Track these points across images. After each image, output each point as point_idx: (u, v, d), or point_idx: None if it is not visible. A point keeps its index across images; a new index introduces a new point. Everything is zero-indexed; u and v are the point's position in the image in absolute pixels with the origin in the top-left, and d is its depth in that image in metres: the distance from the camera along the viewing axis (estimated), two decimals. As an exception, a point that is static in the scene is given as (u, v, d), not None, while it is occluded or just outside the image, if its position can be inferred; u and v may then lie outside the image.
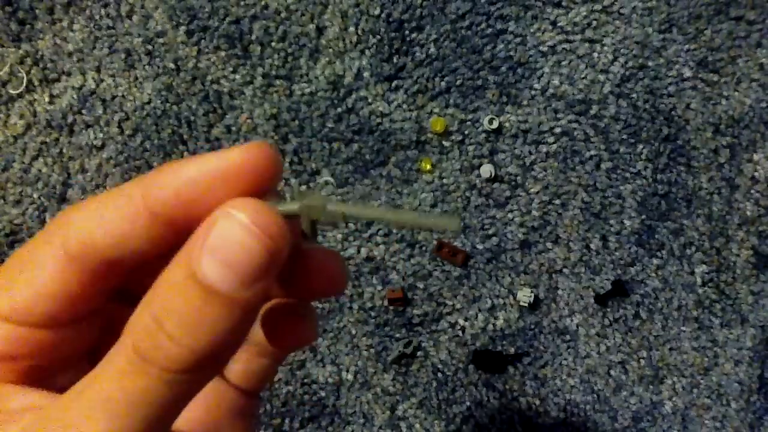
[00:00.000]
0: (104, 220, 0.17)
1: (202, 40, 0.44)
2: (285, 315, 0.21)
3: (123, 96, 0.44)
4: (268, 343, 0.21)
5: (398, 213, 0.18)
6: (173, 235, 0.17)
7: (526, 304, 0.45)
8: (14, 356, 0.19)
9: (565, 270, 0.46)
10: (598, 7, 0.45)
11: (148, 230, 0.17)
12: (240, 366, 0.22)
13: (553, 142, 0.46)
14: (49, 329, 0.19)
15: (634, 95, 0.46)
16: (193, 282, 0.16)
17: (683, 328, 0.47)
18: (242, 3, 0.44)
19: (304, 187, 0.45)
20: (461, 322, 0.45)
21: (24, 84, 0.43)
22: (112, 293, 0.19)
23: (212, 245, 0.15)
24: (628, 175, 0.46)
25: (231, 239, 0.15)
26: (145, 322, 0.16)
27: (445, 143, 0.45)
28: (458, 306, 0.45)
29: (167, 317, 0.16)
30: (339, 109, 0.45)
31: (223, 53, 0.44)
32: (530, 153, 0.46)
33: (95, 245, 0.17)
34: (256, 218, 0.15)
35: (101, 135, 0.44)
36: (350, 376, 0.45)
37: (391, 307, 0.45)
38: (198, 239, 0.16)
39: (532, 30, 0.45)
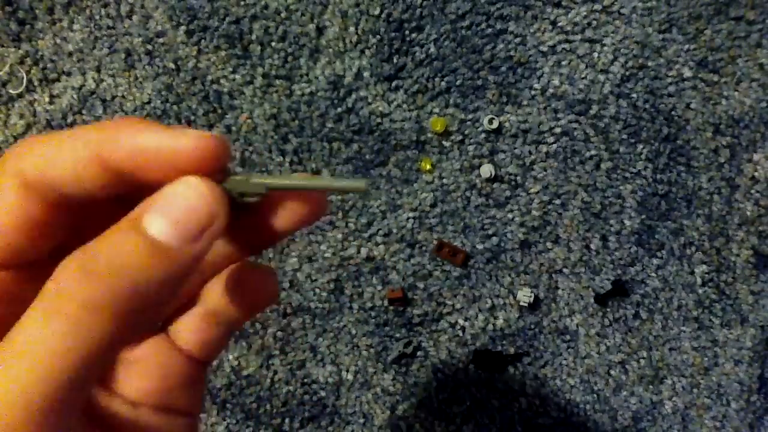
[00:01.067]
0: (61, 156, 0.18)
1: (202, 40, 0.44)
2: (248, 274, 0.22)
3: (123, 96, 0.44)
4: (225, 309, 0.22)
5: (313, 179, 0.20)
6: (120, 186, 0.18)
7: (526, 304, 0.45)
8: None
9: (565, 270, 0.46)
10: (598, 7, 0.45)
11: (99, 176, 0.18)
12: (193, 335, 0.22)
13: (553, 142, 0.46)
14: (10, 269, 0.19)
15: (634, 95, 0.46)
16: (136, 232, 0.17)
17: (683, 328, 0.47)
18: (242, 3, 0.44)
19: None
20: (461, 322, 0.45)
21: (24, 84, 0.43)
22: (66, 235, 0.19)
23: (161, 204, 0.17)
24: (628, 175, 0.46)
25: (179, 199, 0.17)
26: (81, 283, 0.16)
27: (445, 143, 0.45)
28: (458, 306, 0.45)
29: (97, 258, 0.16)
30: (339, 109, 0.45)
31: (223, 53, 0.44)
32: (530, 153, 0.46)
33: (52, 178, 0.18)
34: (202, 185, 0.18)
35: (101, 135, 0.44)
36: (350, 376, 0.45)
37: (391, 307, 0.45)
38: (148, 201, 0.17)
39: (532, 30, 0.45)
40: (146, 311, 0.17)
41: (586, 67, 0.46)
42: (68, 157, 0.18)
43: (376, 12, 0.44)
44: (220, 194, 0.18)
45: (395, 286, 0.45)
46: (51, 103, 0.44)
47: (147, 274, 0.17)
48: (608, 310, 0.46)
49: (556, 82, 0.46)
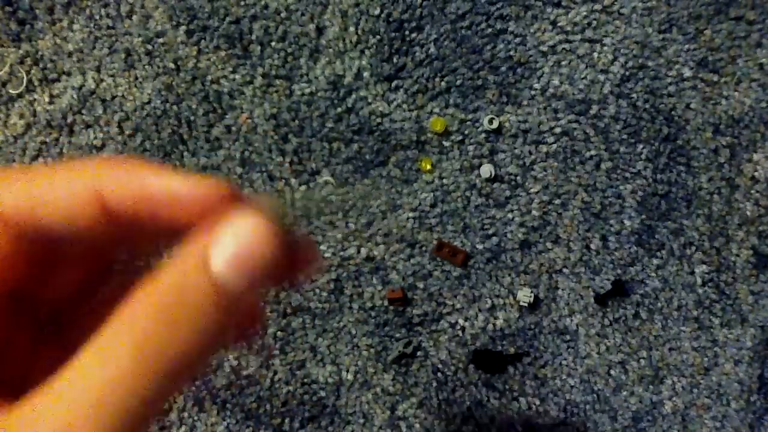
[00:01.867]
0: (53, 195, 0.17)
1: (202, 40, 0.44)
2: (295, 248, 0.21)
3: (123, 96, 0.44)
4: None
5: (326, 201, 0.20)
6: (114, 226, 0.18)
7: (526, 304, 0.45)
8: None
9: (565, 270, 0.46)
10: (598, 7, 0.45)
11: (95, 217, 0.18)
12: None
13: (553, 142, 0.46)
14: None
15: (634, 95, 0.46)
16: (205, 282, 0.16)
17: (683, 328, 0.47)
18: (242, 3, 0.44)
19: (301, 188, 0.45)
20: (461, 322, 0.45)
21: (24, 84, 0.44)
22: (25, 268, 0.18)
23: (228, 249, 0.17)
24: (628, 175, 0.46)
25: (250, 245, 0.17)
26: (146, 326, 0.16)
27: (445, 143, 0.45)
28: (458, 306, 0.45)
29: (177, 323, 0.16)
30: (339, 109, 0.45)
31: (223, 53, 0.44)
32: (530, 153, 0.46)
33: (40, 217, 0.17)
34: (268, 229, 0.17)
35: (101, 135, 0.44)
36: (350, 376, 0.45)
37: (391, 307, 0.45)
38: (201, 243, 0.17)
39: (532, 30, 0.45)
40: (202, 358, 0.17)
41: (586, 67, 0.46)
42: (62, 196, 0.17)
43: (376, 12, 0.44)
44: (277, 237, 0.17)
45: (395, 287, 0.45)
46: (51, 103, 0.44)
47: (215, 324, 0.17)
48: (608, 310, 0.46)
49: (556, 82, 0.46)
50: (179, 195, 0.18)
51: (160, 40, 0.44)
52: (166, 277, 0.17)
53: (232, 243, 0.17)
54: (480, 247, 0.45)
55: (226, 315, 0.17)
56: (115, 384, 0.16)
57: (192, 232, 0.17)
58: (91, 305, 0.19)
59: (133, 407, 0.16)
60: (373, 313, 0.45)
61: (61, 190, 0.18)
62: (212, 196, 0.18)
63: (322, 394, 0.45)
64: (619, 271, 0.46)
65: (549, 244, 0.46)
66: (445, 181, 0.45)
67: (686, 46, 0.46)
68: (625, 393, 0.47)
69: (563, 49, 0.46)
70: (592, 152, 0.46)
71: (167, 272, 0.17)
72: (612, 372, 0.46)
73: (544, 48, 0.45)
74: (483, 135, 0.45)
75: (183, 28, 0.44)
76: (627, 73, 0.46)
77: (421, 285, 0.45)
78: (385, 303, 0.45)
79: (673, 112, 0.46)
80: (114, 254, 0.21)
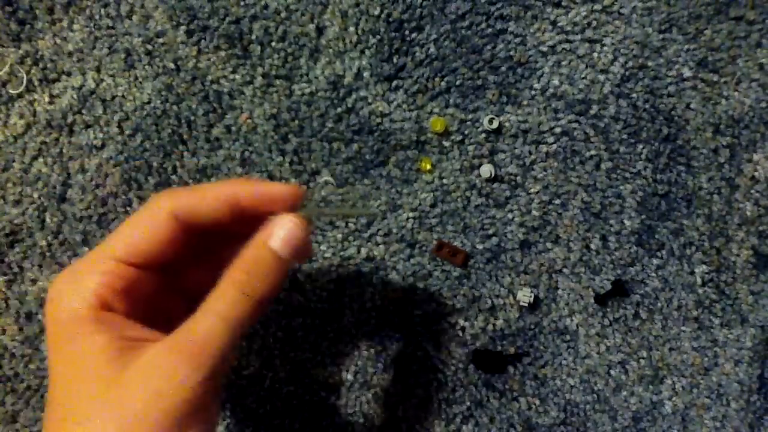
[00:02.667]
0: (205, 203, 0.31)
1: (202, 40, 0.44)
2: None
3: (123, 96, 0.44)
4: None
5: (343, 209, 0.39)
6: (237, 218, 0.32)
7: (526, 304, 0.45)
8: (128, 291, 0.30)
9: (565, 270, 0.46)
10: (598, 7, 0.45)
11: (228, 214, 0.32)
12: None
13: (553, 142, 0.46)
14: (145, 270, 0.31)
15: (634, 95, 0.46)
16: (270, 253, 0.30)
17: (683, 328, 0.47)
18: (242, 3, 0.44)
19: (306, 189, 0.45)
20: (461, 322, 0.45)
21: (24, 84, 0.44)
22: (183, 251, 0.32)
23: (282, 235, 0.31)
24: (628, 175, 0.46)
25: (292, 233, 0.31)
26: (241, 276, 0.30)
27: (445, 143, 0.45)
28: (458, 306, 0.45)
29: (256, 272, 0.30)
30: (339, 109, 0.45)
31: (223, 53, 0.44)
32: (530, 153, 0.46)
33: (197, 216, 0.31)
34: (301, 222, 0.31)
35: (101, 135, 0.44)
36: (350, 376, 0.45)
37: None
38: (265, 232, 0.31)
39: (532, 30, 0.45)
40: (272, 293, 0.31)
41: (586, 67, 0.46)
42: (211, 204, 0.31)
43: (376, 12, 0.44)
44: (307, 224, 0.31)
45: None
46: (51, 103, 0.44)
47: (283, 277, 0.31)
48: (608, 310, 0.46)
49: (556, 82, 0.46)
50: (279, 193, 0.32)
51: (160, 40, 0.44)
52: (249, 250, 0.30)
53: (283, 230, 0.31)
54: (480, 247, 0.45)
55: (282, 269, 0.31)
56: (232, 306, 0.29)
57: (263, 224, 0.31)
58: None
59: (242, 320, 0.29)
60: (373, 313, 0.45)
61: (210, 194, 0.31)
62: (297, 195, 0.32)
63: (322, 394, 0.45)
64: (619, 271, 0.46)
65: (549, 244, 0.46)
66: (445, 181, 0.45)
67: (686, 46, 0.46)
68: (625, 393, 0.47)
69: (563, 49, 0.46)
70: (592, 152, 0.46)
71: (249, 246, 0.30)
72: (612, 372, 0.46)
73: (544, 48, 0.45)
74: (483, 135, 0.45)
75: (183, 28, 0.44)
76: (627, 73, 0.46)
77: (421, 285, 0.45)
78: (385, 303, 0.45)
79: (673, 112, 0.46)
80: (231, 252, 0.32)
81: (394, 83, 0.45)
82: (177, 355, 0.27)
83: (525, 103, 0.45)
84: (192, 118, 0.44)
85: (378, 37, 0.45)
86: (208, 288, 0.30)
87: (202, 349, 0.27)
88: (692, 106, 0.46)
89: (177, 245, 0.31)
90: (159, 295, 0.33)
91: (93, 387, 0.27)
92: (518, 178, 0.46)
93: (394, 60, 0.45)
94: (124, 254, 0.30)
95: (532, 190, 0.46)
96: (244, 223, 0.32)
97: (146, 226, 0.30)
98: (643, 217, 0.46)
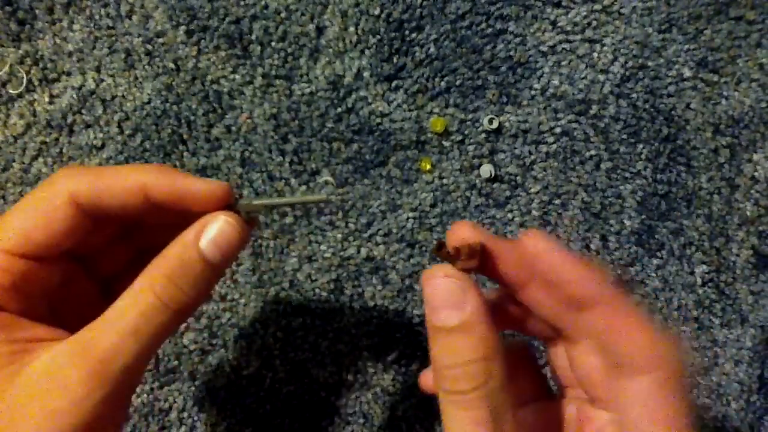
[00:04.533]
0: (112, 187, 0.26)
1: (202, 40, 0.44)
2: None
3: (123, 96, 0.44)
4: None
5: (286, 198, 0.30)
6: (149, 210, 0.27)
7: (526, 304, 0.45)
8: (18, 286, 0.26)
9: (565, 270, 0.46)
10: (598, 7, 0.45)
11: (139, 204, 0.27)
12: None
13: (553, 142, 0.46)
14: (42, 261, 0.26)
15: (634, 95, 0.46)
16: (197, 255, 0.26)
17: (683, 328, 0.47)
18: (242, 3, 0.44)
19: (302, 188, 0.45)
20: (461, 322, 0.45)
21: (24, 84, 0.44)
22: (80, 240, 0.27)
23: (211, 233, 0.26)
24: (628, 175, 0.46)
25: (224, 234, 0.27)
26: (161, 280, 0.25)
27: (445, 143, 0.45)
28: (458, 306, 0.45)
29: (179, 277, 0.25)
30: (339, 109, 0.45)
31: (223, 53, 0.44)
32: (530, 153, 0.46)
33: (102, 202, 0.26)
34: (235, 221, 0.27)
35: (101, 135, 0.44)
36: (350, 376, 0.45)
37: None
38: (194, 231, 0.26)
39: (532, 30, 0.45)
40: (196, 302, 0.26)
41: (586, 67, 0.46)
42: (119, 188, 0.26)
43: (376, 12, 0.44)
44: (243, 224, 0.27)
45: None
46: (51, 103, 0.44)
47: (210, 284, 0.27)
48: (608, 310, 0.46)
49: (556, 82, 0.46)
50: (198, 191, 0.27)
51: (160, 40, 0.44)
52: (174, 249, 0.26)
53: (214, 230, 0.26)
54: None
55: (210, 276, 0.26)
56: (145, 316, 0.24)
57: (190, 221, 0.27)
58: (135, 272, 0.26)
59: (156, 332, 0.25)
60: (373, 313, 0.45)
61: (118, 183, 0.26)
62: (218, 194, 0.27)
63: (322, 394, 0.45)
64: (619, 271, 0.46)
65: (549, 244, 0.46)
66: (445, 181, 0.45)
67: (686, 46, 0.46)
68: (625, 393, 0.47)
69: (563, 49, 0.46)
70: (592, 152, 0.46)
71: (174, 245, 0.26)
72: (612, 372, 0.46)
73: (544, 48, 0.45)
74: (483, 135, 0.45)
75: (183, 28, 0.44)
76: (627, 73, 0.46)
77: (421, 285, 0.45)
78: (385, 303, 0.45)
79: (673, 112, 0.46)
80: (152, 235, 0.29)
81: (394, 83, 0.45)
82: (77, 367, 0.23)
83: (525, 103, 0.45)
84: (192, 118, 0.44)
85: (378, 37, 0.44)
86: (126, 275, 0.26)
87: (107, 365, 0.23)
88: (692, 106, 0.46)
89: (80, 233, 0.27)
90: (67, 285, 0.29)
91: None
92: (518, 178, 0.46)
93: (394, 60, 0.45)
94: (12, 244, 0.25)
95: (532, 190, 0.46)
96: (164, 215, 0.28)
97: (40, 212, 0.26)
98: (643, 217, 0.46)
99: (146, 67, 0.44)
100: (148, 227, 0.30)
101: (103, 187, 0.26)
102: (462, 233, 0.26)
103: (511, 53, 0.45)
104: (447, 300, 0.24)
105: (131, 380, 0.25)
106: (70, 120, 0.44)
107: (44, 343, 0.24)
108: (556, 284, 0.25)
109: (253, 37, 0.44)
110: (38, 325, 0.26)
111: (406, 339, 0.45)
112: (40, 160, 0.44)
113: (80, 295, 0.30)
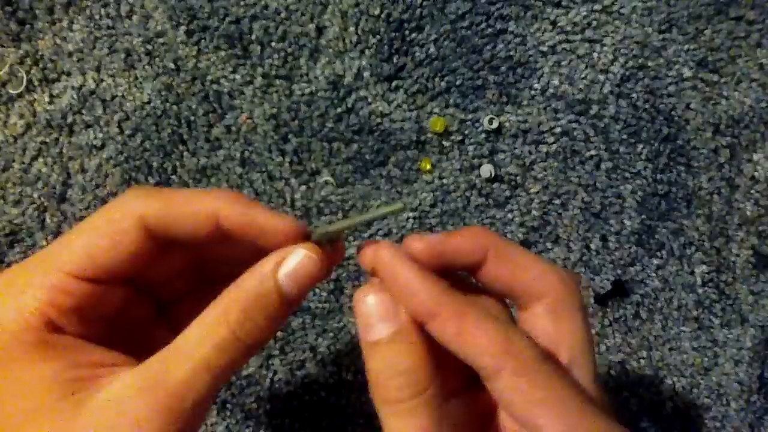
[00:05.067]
0: (183, 212, 0.25)
1: (202, 40, 0.44)
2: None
3: (123, 96, 0.44)
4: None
5: (362, 215, 0.29)
6: (221, 238, 0.26)
7: (526, 304, 0.45)
8: (80, 309, 0.25)
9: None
10: (598, 7, 0.45)
11: (210, 232, 0.26)
12: None
13: (553, 142, 0.46)
14: (104, 284, 0.25)
15: (634, 95, 0.46)
16: (274, 289, 0.24)
17: (683, 328, 0.47)
18: (242, 3, 0.44)
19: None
20: (461, 322, 0.45)
21: (24, 84, 0.44)
22: (146, 265, 0.26)
23: (290, 269, 0.25)
24: (628, 175, 0.46)
25: (304, 268, 0.25)
26: (237, 314, 0.24)
27: (445, 143, 0.45)
28: (458, 306, 0.45)
29: (255, 310, 0.24)
30: (339, 109, 0.45)
31: (223, 53, 0.44)
32: (530, 153, 0.46)
33: (172, 227, 0.25)
34: (315, 254, 0.25)
35: (101, 135, 0.44)
36: (350, 377, 0.45)
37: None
38: (272, 263, 0.25)
39: (532, 30, 0.45)
40: (267, 337, 0.25)
41: (586, 67, 0.46)
42: (191, 213, 0.25)
43: (376, 12, 0.44)
44: (324, 257, 0.26)
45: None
46: (51, 103, 0.44)
47: (277, 315, 0.25)
48: (608, 310, 0.46)
49: (556, 82, 0.46)
50: (273, 227, 0.25)
51: (160, 40, 0.44)
52: (250, 281, 0.24)
53: (293, 263, 0.25)
54: (480, 247, 0.45)
55: (286, 310, 0.25)
56: (219, 350, 0.23)
57: (258, 254, 0.25)
58: (198, 300, 0.25)
59: (228, 366, 0.24)
60: (373, 313, 0.45)
61: (190, 207, 0.25)
62: (291, 231, 0.26)
63: (322, 394, 0.45)
64: (619, 271, 0.46)
65: (549, 244, 0.46)
66: (445, 181, 0.45)
67: (686, 46, 0.46)
68: (625, 393, 0.47)
69: (563, 49, 0.46)
70: (592, 152, 0.46)
71: (250, 276, 0.25)
72: (612, 372, 0.46)
73: (544, 48, 0.45)
74: (483, 135, 0.45)
75: (183, 28, 0.44)
76: (627, 73, 0.46)
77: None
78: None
79: (673, 112, 0.46)
80: (216, 265, 0.28)
81: (394, 83, 0.45)
82: (148, 401, 0.22)
83: (525, 103, 0.45)
84: (192, 118, 0.44)
85: (378, 37, 0.44)
86: (189, 298, 0.25)
87: (179, 400, 0.22)
88: (692, 106, 0.46)
89: (146, 258, 0.26)
90: (128, 309, 0.28)
91: (41, 430, 0.22)
92: (518, 178, 0.46)
93: (394, 60, 0.45)
94: (74, 267, 0.24)
95: (532, 190, 0.46)
96: (231, 245, 0.26)
97: (107, 234, 0.25)
98: (643, 217, 0.46)
99: (146, 67, 0.44)
100: (212, 257, 0.29)
101: (174, 210, 0.25)
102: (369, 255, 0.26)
103: (511, 53, 0.45)
104: (380, 314, 0.24)
105: (201, 416, 0.24)
106: (70, 120, 0.44)
107: (107, 368, 0.24)
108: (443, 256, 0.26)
109: (253, 37, 0.44)
110: (98, 348, 0.25)
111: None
112: (40, 160, 0.44)
113: (135, 317, 0.29)
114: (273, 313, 0.24)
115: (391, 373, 0.24)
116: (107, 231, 0.25)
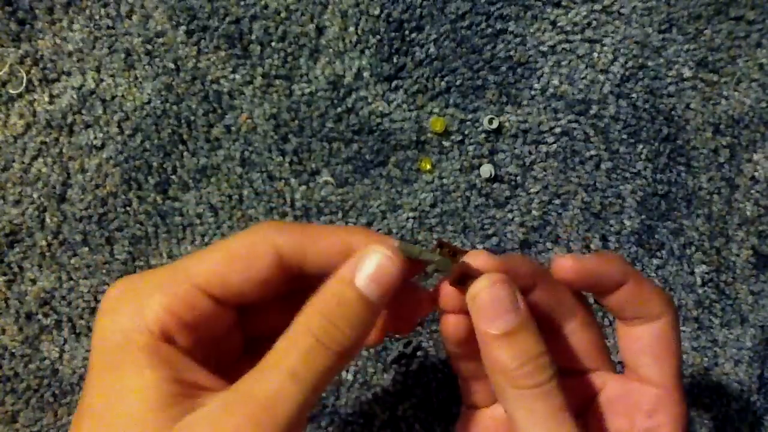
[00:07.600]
0: (317, 247, 0.26)
1: (202, 40, 0.44)
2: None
3: (123, 96, 0.44)
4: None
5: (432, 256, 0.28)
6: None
7: (526, 304, 0.45)
8: (195, 325, 0.25)
9: (565, 270, 0.46)
10: (598, 7, 0.45)
11: (338, 263, 0.26)
12: None
13: (553, 142, 0.46)
14: (222, 305, 0.26)
15: (634, 95, 0.46)
16: (354, 292, 0.24)
17: (683, 328, 0.47)
18: (242, 3, 0.44)
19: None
20: (461, 322, 0.45)
21: (24, 84, 0.44)
22: (272, 293, 0.26)
23: (369, 271, 0.25)
24: (628, 175, 0.46)
25: (382, 268, 0.25)
26: (319, 320, 0.24)
27: (445, 143, 0.45)
28: (458, 306, 0.45)
29: (337, 316, 0.24)
30: (339, 109, 0.45)
31: (223, 53, 0.44)
32: (530, 153, 0.46)
33: (303, 260, 0.26)
34: (395, 255, 0.25)
35: (101, 135, 0.44)
36: (350, 376, 0.45)
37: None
38: (349, 266, 0.25)
39: (532, 30, 0.45)
40: (357, 343, 0.25)
41: (586, 67, 0.46)
42: (325, 247, 0.26)
43: (376, 12, 0.44)
44: (402, 258, 0.25)
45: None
46: (51, 103, 0.44)
47: (368, 324, 0.25)
48: (608, 310, 0.46)
49: (556, 82, 0.46)
50: (340, 247, 0.26)
51: (160, 40, 0.44)
52: (330, 286, 0.25)
53: (371, 264, 0.25)
54: (480, 247, 0.45)
55: (369, 314, 0.25)
56: (305, 359, 0.23)
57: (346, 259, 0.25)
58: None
59: (318, 376, 0.23)
60: (373, 313, 0.45)
61: (325, 242, 0.26)
62: (360, 243, 0.26)
63: (322, 393, 0.45)
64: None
65: (549, 244, 0.46)
66: (445, 181, 0.45)
67: (686, 46, 0.46)
68: (625, 393, 0.47)
69: (563, 49, 0.46)
70: (592, 152, 0.46)
71: (329, 285, 0.25)
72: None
73: (544, 48, 0.45)
74: (483, 135, 0.45)
75: (183, 28, 0.44)
76: (627, 73, 0.46)
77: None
78: (385, 303, 0.45)
79: (673, 112, 0.46)
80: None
81: (394, 83, 0.45)
82: (238, 417, 0.22)
83: (525, 103, 0.45)
84: (192, 118, 0.44)
85: (378, 37, 0.45)
86: (275, 331, 0.25)
87: (269, 414, 0.22)
88: (692, 106, 0.46)
89: (273, 288, 0.26)
90: (227, 334, 0.28)
91: None
92: (518, 178, 0.46)
93: (394, 60, 0.45)
94: (205, 281, 0.25)
95: (532, 190, 0.46)
96: None
97: (243, 256, 0.25)
98: (643, 217, 0.46)
99: (146, 67, 0.44)
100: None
101: (309, 243, 0.26)
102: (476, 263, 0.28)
103: (511, 53, 0.45)
104: (507, 305, 0.25)
105: (296, 430, 0.23)
106: (70, 120, 0.44)
107: (206, 392, 0.24)
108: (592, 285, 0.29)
109: (253, 37, 0.44)
110: (201, 369, 0.25)
111: (407, 339, 0.45)
112: (40, 160, 0.44)
113: (228, 347, 0.29)
114: (356, 317, 0.24)
115: (523, 361, 0.24)
116: (243, 253, 0.25)
